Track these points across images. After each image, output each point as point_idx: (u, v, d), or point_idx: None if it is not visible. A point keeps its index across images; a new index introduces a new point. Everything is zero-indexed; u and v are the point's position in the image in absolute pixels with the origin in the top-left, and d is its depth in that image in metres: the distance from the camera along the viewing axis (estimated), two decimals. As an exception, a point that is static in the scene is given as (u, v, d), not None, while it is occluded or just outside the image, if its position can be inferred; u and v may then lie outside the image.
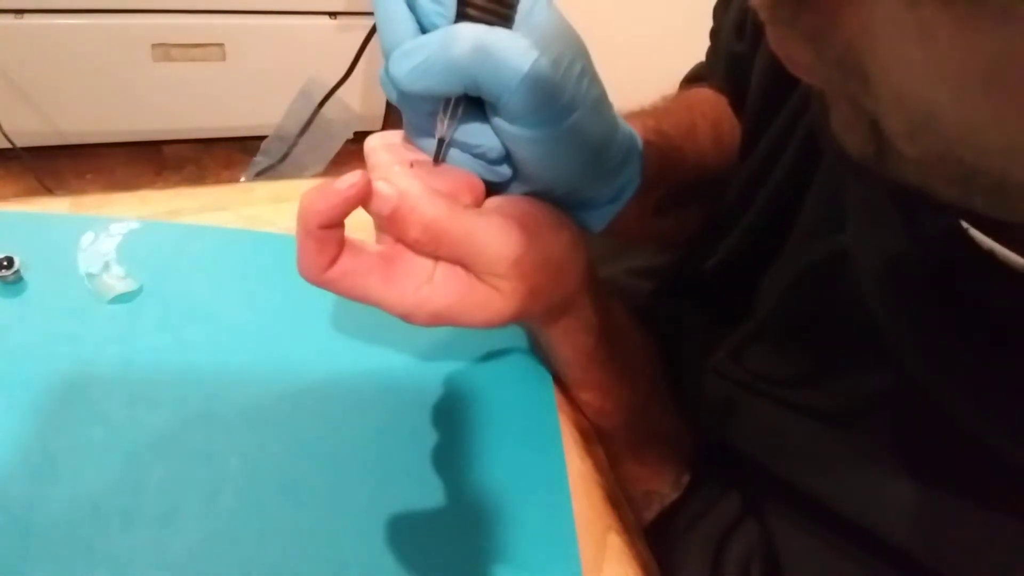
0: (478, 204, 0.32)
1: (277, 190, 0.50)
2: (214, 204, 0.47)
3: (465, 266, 0.30)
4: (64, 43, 1.27)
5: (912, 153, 0.18)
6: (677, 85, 0.58)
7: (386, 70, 0.29)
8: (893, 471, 0.29)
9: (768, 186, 0.39)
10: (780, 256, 0.37)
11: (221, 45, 1.38)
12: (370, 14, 1.45)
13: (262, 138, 1.56)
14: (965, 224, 0.24)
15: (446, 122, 0.30)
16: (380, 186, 0.28)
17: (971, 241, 0.24)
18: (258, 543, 0.32)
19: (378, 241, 0.31)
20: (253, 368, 0.38)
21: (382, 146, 0.32)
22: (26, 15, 1.22)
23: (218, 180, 1.49)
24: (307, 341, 0.40)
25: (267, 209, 0.48)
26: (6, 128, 1.25)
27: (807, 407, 0.33)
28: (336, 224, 0.27)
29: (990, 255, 0.23)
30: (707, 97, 0.51)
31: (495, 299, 0.30)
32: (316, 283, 0.28)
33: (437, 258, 0.30)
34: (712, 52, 0.55)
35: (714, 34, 0.54)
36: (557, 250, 0.32)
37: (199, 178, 1.49)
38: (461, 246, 0.29)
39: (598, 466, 0.40)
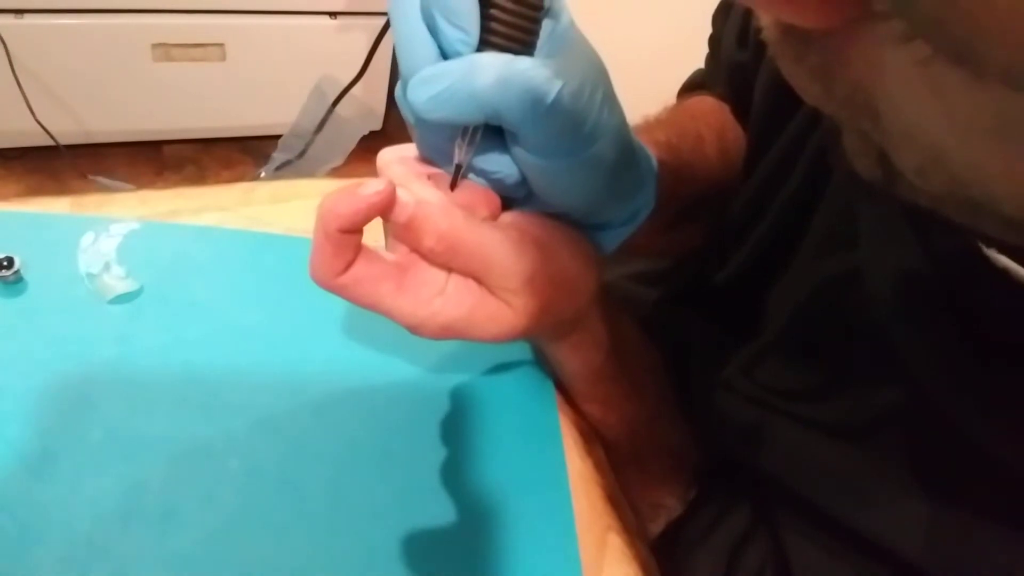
0: (494, 218, 0.32)
1: (277, 190, 0.50)
2: (214, 204, 0.47)
3: (478, 279, 0.30)
4: (64, 43, 1.27)
5: (922, 186, 0.18)
6: (675, 93, 0.57)
7: (403, 93, 0.29)
8: (906, 486, 0.28)
9: (779, 200, 0.39)
10: (789, 271, 0.37)
11: (221, 45, 1.38)
12: (370, 14, 1.45)
13: (263, 138, 1.56)
14: (980, 244, 0.24)
15: (464, 148, 0.29)
16: (398, 192, 0.28)
17: (986, 260, 0.24)
18: (258, 543, 0.32)
19: (390, 250, 0.30)
20: (253, 368, 0.38)
21: (396, 159, 0.32)
22: (26, 15, 1.22)
23: (218, 180, 1.49)
24: (307, 341, 0.40)
25: (267, 209, 0.48)
26: (5, 128, 1.25)
27: (819, 422, 0.32)
28: (356, 229, 0.27)
29: (1004, 273, 0.23)
30: (710, 106, 0.50)
31: (506, 314, 0.30)
32: (327, 287, 0.28)
33: (450, 270, 0.29)
34: (712, 60, 0.54)
35: (713, 41, 0.54)
36: (571, 267, 0.32)
37: (199, 178, 1.49)
38: (475, 258, 0.29)
39: (598, 466, 0.40)
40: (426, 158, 0.32)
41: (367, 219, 0.27)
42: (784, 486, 0.33)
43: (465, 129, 0.29)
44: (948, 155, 0.16)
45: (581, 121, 0.28)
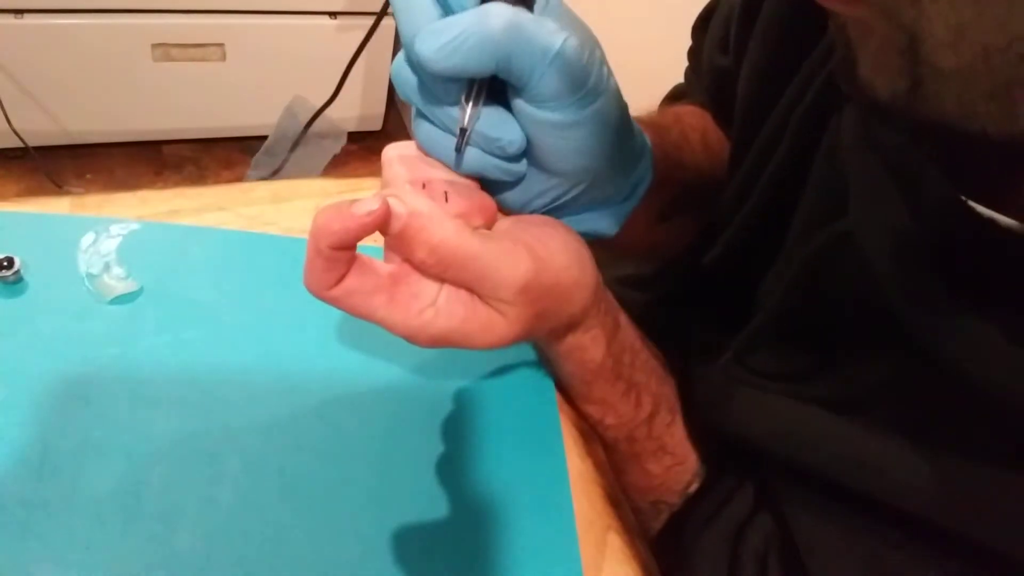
0: (489, 226, 0.32)
1: (277, 190, 0.50)
2: (214, 204, 0.47)
3: (470, 290, 0.30)
4: (64, 43, 1.27)
5: (952, 63, 0.18)
6: (657, 105, 0.58)
7: (405, 58, 0.29)
8: (907, 445, 0.29)
9: (763, 180, 0.39)
10: (780, 254, 0.37)
11: (221, 45, 1.38)
12: (371, 14, 1.45)
13: (262, 138, 1.56)
14: (963, 198, 0.24)
15: (468, 109, 0.29)
16: (391, 201, 0.27)
17: (971, 211, 0.24)
18: (258, 543, 0.32)
19: (386, 258, 0.30)
20: (253, 369, 0.38)
21: (398, 158, 0.32)
22: (26, 15, 1.22)
23: (218, 180, 1.49)
24: (307, 342, 0.40)
25: (267, 209, 0.48)
26: (5, 128, 1.25)
27: (818, 398, 0.33)
28: (348, 246, 0.27)
29: (991, 222, 0.23)
30: (691, 110, 0.52)
31: (499, 323, 0.30)
32: (320, 299, 0.28)
33: (443, 280, 0.29)
34: (692, 70, 0.56)
35: (693, 53, 0.55)
36: (566, 275, 0.32)
37: (199, 178, 1.49)
38: (467, 271, 0.29)
39: (598, 466, 0.40)
40: (427, 145, 0.32)
41: (359, 237, 0.26)
42: (786, 459, 0.33)
43: (469, 90, 0.29)
44: None
45: (585, 73, 0.29)
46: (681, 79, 0.58)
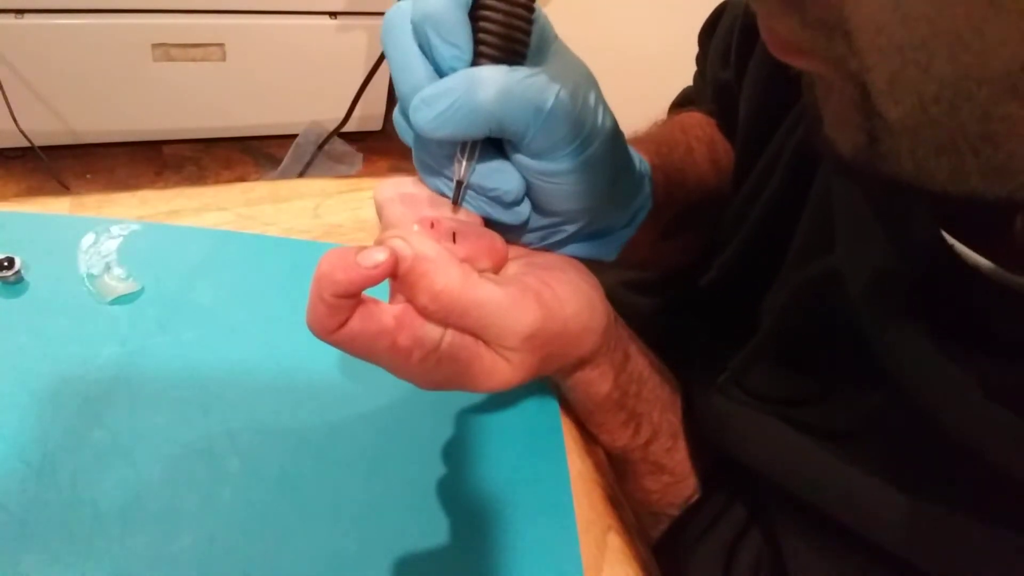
0: (498, 268, 0.31)
1: (277, 190, 0.50)
2: (214, 204, 0.47)
3: (474, 335, 0.29)
4: (64, 43, 1.27)
5: (896, 114, 0.18)
6: (667, 103, 0.58)
7: (402, 114, 0.29)
8: (886, 481, 0.29)
9: (758, 206, 0.39)
10: (778, 277, 0.37)
11: (221, 45, 1.38)
12: (370, 14, 1.45)
13: (263, 138, 1.56)
14: (951, 241, 0.24)
15: (464, 164, 0.29)
16: (396, 244, 0.27)
17: (956, 256, 0.24)
18: (258, 543, 0.32)
19: (392, 300, 0.29)
20: (254, 370, 0.38)
21: (399, 197, 0.31)
22: (26, 15, 1.22)
23: (218, 180, 1.49)
24: (307, 342, 0.40)
25: (267, 209, 0.48)
26: (5, 128, 1.25)
27: (807, 425, 0.33)
28: (352, 296, 0.26)
29: (976, 270, 0.23)
30: (698, 120, 0.51)
31: (503, 368, 0.30)
32: (323, 341, 0.28)
33: (446, 326, 0.29)
34: (699, 78, 0.55)
35: (700, 60, 0.55)
36: (574, 322, 0.31)
37: (199, 178, 1.49)
38: (470, 318, 0.28)
39: (598, 466, 0.40)
40: (428, 183, 0.31)
41: (364, 288, 0.26)
42: (776, 484, 0.34)
43: (464, 144, 0.29)
44: (910, 38, 0.16)
45: (579, 122, 0.28)
46: (690, 82, 0.58)
